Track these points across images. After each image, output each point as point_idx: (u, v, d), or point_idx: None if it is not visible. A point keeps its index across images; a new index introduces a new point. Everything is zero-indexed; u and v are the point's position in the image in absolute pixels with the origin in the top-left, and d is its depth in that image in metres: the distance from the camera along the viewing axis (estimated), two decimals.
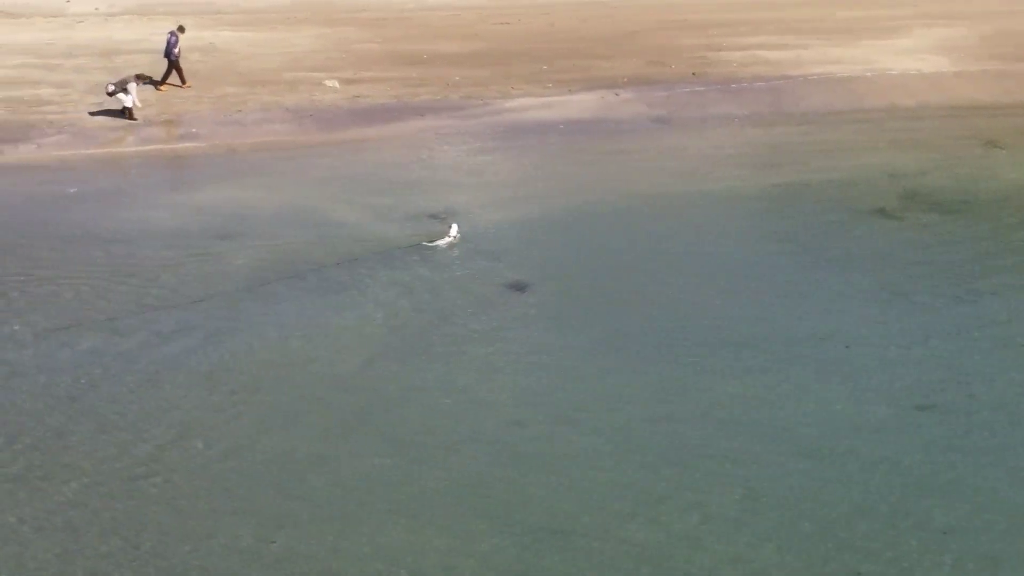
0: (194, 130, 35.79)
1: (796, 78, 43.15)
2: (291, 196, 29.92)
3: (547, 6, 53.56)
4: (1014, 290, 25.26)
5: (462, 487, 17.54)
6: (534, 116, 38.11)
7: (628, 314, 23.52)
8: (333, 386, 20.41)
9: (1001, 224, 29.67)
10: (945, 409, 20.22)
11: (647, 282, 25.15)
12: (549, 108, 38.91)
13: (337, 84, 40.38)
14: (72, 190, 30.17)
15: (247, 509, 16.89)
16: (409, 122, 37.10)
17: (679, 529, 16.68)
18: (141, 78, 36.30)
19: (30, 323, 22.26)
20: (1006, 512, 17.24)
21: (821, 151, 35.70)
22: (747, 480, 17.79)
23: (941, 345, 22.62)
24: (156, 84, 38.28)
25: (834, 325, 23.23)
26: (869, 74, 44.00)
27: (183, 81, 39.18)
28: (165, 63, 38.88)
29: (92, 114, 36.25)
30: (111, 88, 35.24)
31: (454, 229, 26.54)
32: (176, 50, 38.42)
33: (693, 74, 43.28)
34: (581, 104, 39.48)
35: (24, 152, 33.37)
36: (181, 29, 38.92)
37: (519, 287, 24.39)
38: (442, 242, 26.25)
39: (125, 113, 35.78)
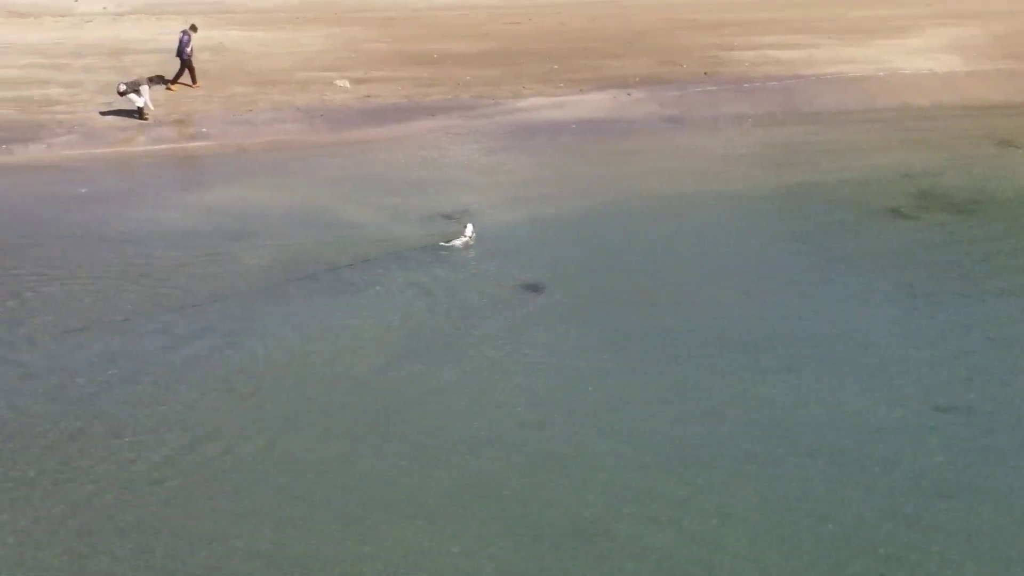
0: (204, 130, 35.67)
1: (808, 78, 43.01)
2: (303, 196, 29.75)
3: (557, 5, 53.50)
4: None
5: (480, 489, 17.35)
6: (546, 116, 37.98)
7: (644, 315, 23.33)
8: (351, 388, 20.21)
9: (1017, 223, 29.47)
10: (965, 410, 19.96)
11: (662, 283, 24.96)
12: (561, 108, 38.77)
13: (348, 84, 40.26)
14: (83, 190, 30.02)
15: (263, 512, 16.69)
16: (420, 122, 36.98)
17: (698, 532, 16.47)
18: (154, 80, 36.17)
19: (43, 324, 22.09)
20: None
21: (834, 151, 35.53)
22: (767, 482, 17.60)
23: (960, 345, 22.42)
24: (168, 83, 38.14)
25: (852, 326, 23.01)
26: (882, 74, 43.86)
27: (194, 81, 39.09)
28: (175, 62, 38.78)
29: (102, 114, 36.16)
30: (123, 88, 35.12)
31: (469, 229, 26.35)
32: (188, 49, 38.33)
33: (705, 74, 43.15)
34: (593, 104, 39.34)
35: (34, 152, 33.26)
36: (193, 28, 38.82)
37: (535, 288, 24.17)
38: (458, 242, 26.06)
39: (137, 113, 35.65)
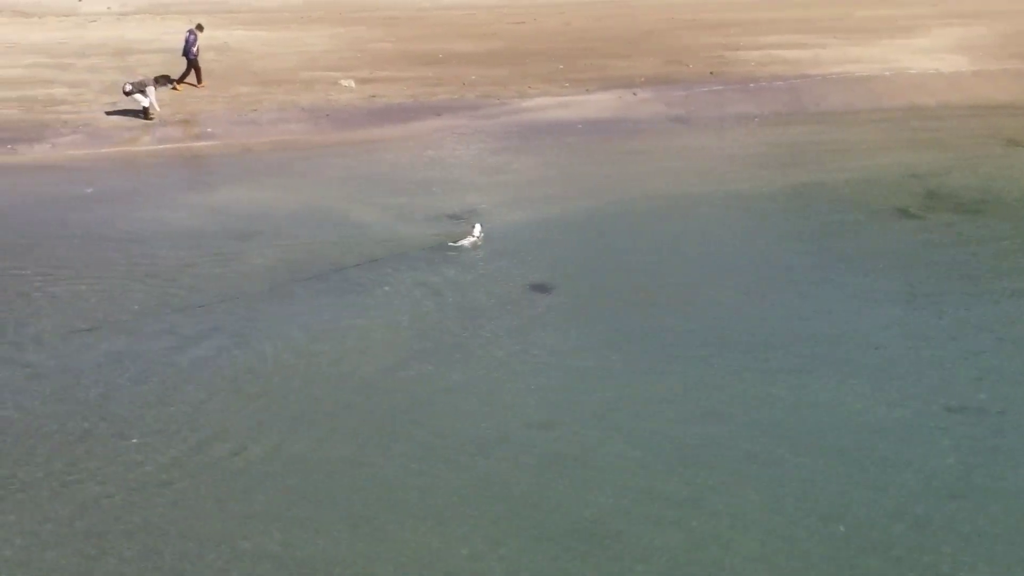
0: (209, 130, 35.62)
1: (815, 77, 42.93)
2: (309, 196, 29.66)
3: (562, 5, 53.50)
4: None
5: (489, 490, 17.23)
6: (552, 116, 37.91)
7: (653, 315, 23.21)
8: (359, 388, 20.07)
9: None
10: (976, 411, 19.83)
11: (670, 283, 24.84)
12: (567, 108, 38.70)
13: (353, 84, 40.21)
14: (88, 190, 29.94)
15: (271, 513, 16.59)
16: (426, 122, 36.91)
17: (709, 533, 16.35)
18: (160, 81, 36.10)
19: (50, 324, 21.99)
20: None
21: (841, 150, 35.44)
22: (777, 483, 17.46)
23: (969, 345, 22.28)
24: (174, 83, 38.09)
25: (860, 326, 22.88)
26: (888, 73, 43.78)
27: (199, 80, 39.07)
28: (179, 62, 38.73)
29: (108, 113, 36.11)
30: (128, 88, 35.07)
31: (477, 229, 26.24)
32: (195, 49, 38.29)
33: (711, 73, 43.08)
34: (599, 104, 39.26)
35: (39, 152, 33.20)
36: (200, 27, 38.79)
37: (543, 288, 24.07)
38: (466, 242, 25.94)
39: (142, 113, 35.59)
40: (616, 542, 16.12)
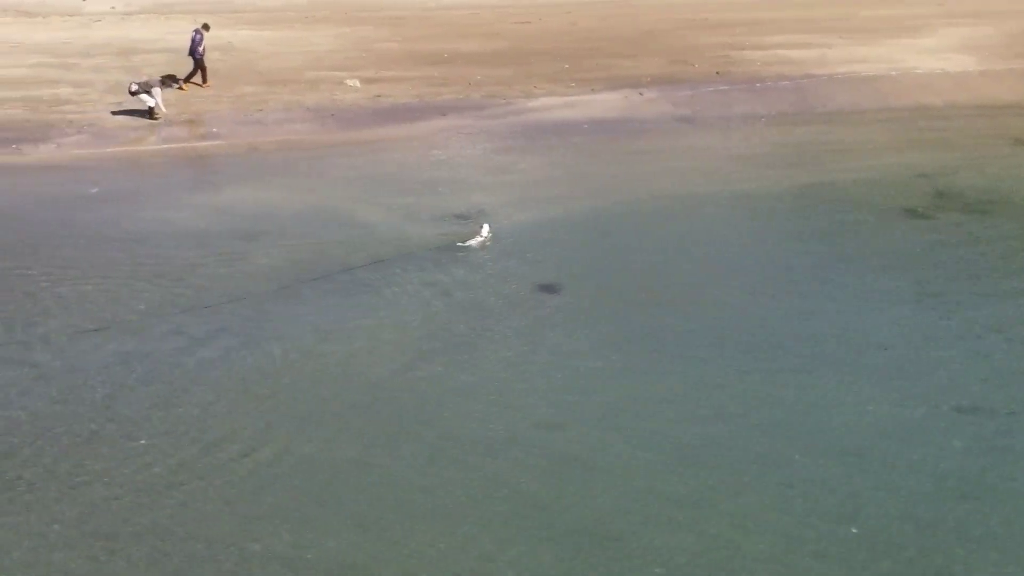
0: (215, 129, 35.53)
1: (821, 77, 42.82)
2: (316, 196, 29.59)
3: (567, 5, 53.42)
4: None
5: (499, 491, 17.16)
6: (558, 115, 37.81)
7: (661, 316, 23.13)
8: (368, 389, 20.00)
9: None
10: (985, 411, 19.75)
11: (678, 283, 24.79)
12: (573, 107, 38.61)
13: (358, 83, 40.12)
14: (94, 190, 29.87)
15: (280, 514, 16.52)
16: (432, 121, 36.81)
17: (719, 535, 16.28)
18: (166, 82, 36.04)
19: (56, 325, 21.92)
20: None
21: (848, 150, 35.38)
22: (788, 485, 17.40)
23: (978, 346, 22.22)
24: (180, 83, 38.05)
25: (870, 326, 22.79)
26: (894, 73, 43.67)
27: (204, 80, 39.00)
28: (184, 61, 38.67)
29: (113, 113, 36.03)
30: (134, 88, 35.01)
31: (485, 229, 26.17)
32: (201, 48, 38.24)
33: (717, 73, 42.97)
34: (605, 103, 39.16)
35: (45, 152, 33.13)
36: (206, 27, 38.72)
37: (551, 288, 24.00)
38: (474, 242, 25.87)
39: (148, 113, 35.53)
40: (625, 543, 16.07)
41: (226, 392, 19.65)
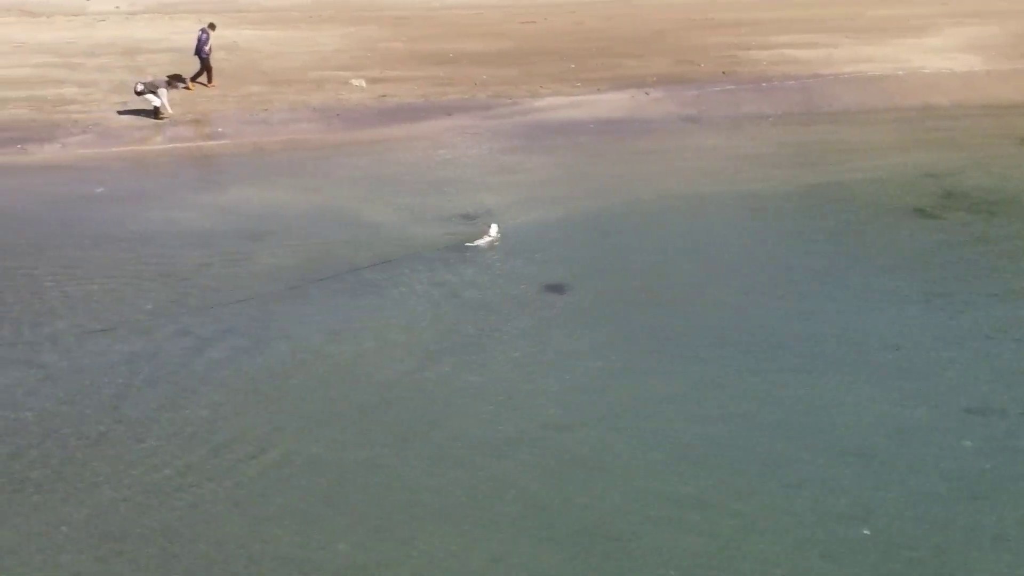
0: (220, 129, 35.49)
1: (827, 77, 42.75)
2: (323, 196, 29.52)
3: (572, 5, 53.36)
4: None
5: (508, 493, 17.04)
6: (564, 115, 37.74)
7: (670, 316, 23.03)
8: (377, 391, 19.89)
9: None
10: (996, 411, 19.64)
11: (686, 283, 24.68)
12: (579, 107, 38.53)
13: (364, 83, 40.07)
14: (99, 190, 29.79)
15: (288, 516, 16.42)
16: (438, 121, 36.75)
17: (727, 535, 16.17)
18: (172, 83, 35.96)
19: (63, 325, 21.83)
20: None
21: (856, 150, 35.28)
22: (797, 485, 17.28)
23: (988, 346, 22.09)
24: (186, 83, 38.01)
25: (880, 326, 22.68)
26: (901, 73, 43.60)
27: (210, 80, 38.97)
28: (189, 61, 38.62)
29: (119, 113, 35.97)
30: (140, 87, 34.96)
31: (494, 229, 26.09)
32: (207, 48, 38.17)
33: (723, 73, 42.91)
34: (611, 103, 39.08)
35: (50, 152, 33.09)
36: (212, 26, 38.68)
37: (558, 289, 23.90)
38: (482, 241, 25.79)
39: (153, 113, 35.46)
40: (634, 544, 15.95)
41: (234, 393, 19.55)
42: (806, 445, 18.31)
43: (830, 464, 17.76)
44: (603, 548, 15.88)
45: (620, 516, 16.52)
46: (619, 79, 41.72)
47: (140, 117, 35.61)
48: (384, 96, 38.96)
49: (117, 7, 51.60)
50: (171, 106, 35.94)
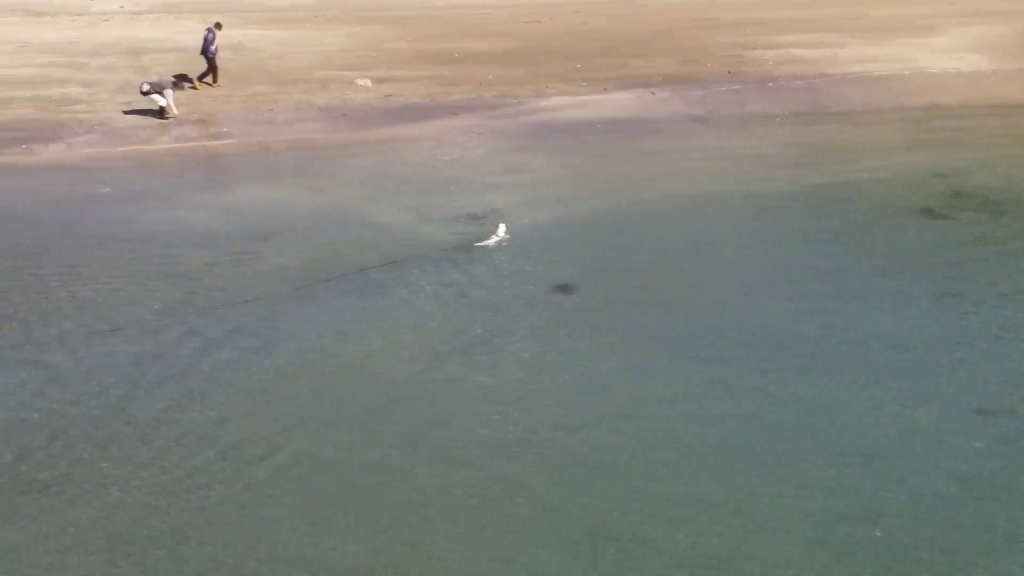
0: (226, 129, 35.42)
1: (834, 76, 42.63)
2: (329, 196, 29.44)
3: (578, 4, 53.26)
4: None
5: (516, 493, 16.98)
6: (570, 115, 37.65)
7: (678, 316, 22.96)
8: (386, 391, 19.83)
9: None
10: (1005, 412, 19.55)
11: (694, 284, 24.60)
12: (585, 107, 38.43)
13: (369, 83, 39.98)
14: (105, 190, 29.71)
15: (296, 518, 16.36)
16: (444, 121, 36.66)
17: (736, 537, 16.11)
18: (178, 84, 35.89)
19: (70, 326, 21.76)
20: None
21: (863, 150, 35.19)
22: (806, 487, 17.21)
23: (999, 346, 22.00)
24: (193, 82, 37.99)
25: (891, 326, 22.59)
26: (907, 72, 43.47)
27: (215, 80, 38.88)
28: (194, 61, 38.56)
29: (124, 113, 35.90)
30: (146, 87, 34.89)
31: (502, 229, 26.00)
32: (213, 47, 38.10)
33: (729, 73, 42.80)
34: (617, 103, 38.98)
35: (55, 151, 33.00)
36: (218, 26, 38.63)
37: (567, 289, 23.83)
38: (491, 241, 25.72)
39: (158, 112, 35.39)
40: (645, 546, 15.89)
41: (242, 394, 19.49)
42: (814, 446, 18.25)
43: (840, 465, 17.70)
44: (613, 549, 15.82)
45: (630, 517, 16.46)
46: (625, 79, 41.62)
47: (145, 117, 35.54)
48: (390, 96, 38.88)
49: (121, 7, 51.54)
50: (177, 106, 35.85)
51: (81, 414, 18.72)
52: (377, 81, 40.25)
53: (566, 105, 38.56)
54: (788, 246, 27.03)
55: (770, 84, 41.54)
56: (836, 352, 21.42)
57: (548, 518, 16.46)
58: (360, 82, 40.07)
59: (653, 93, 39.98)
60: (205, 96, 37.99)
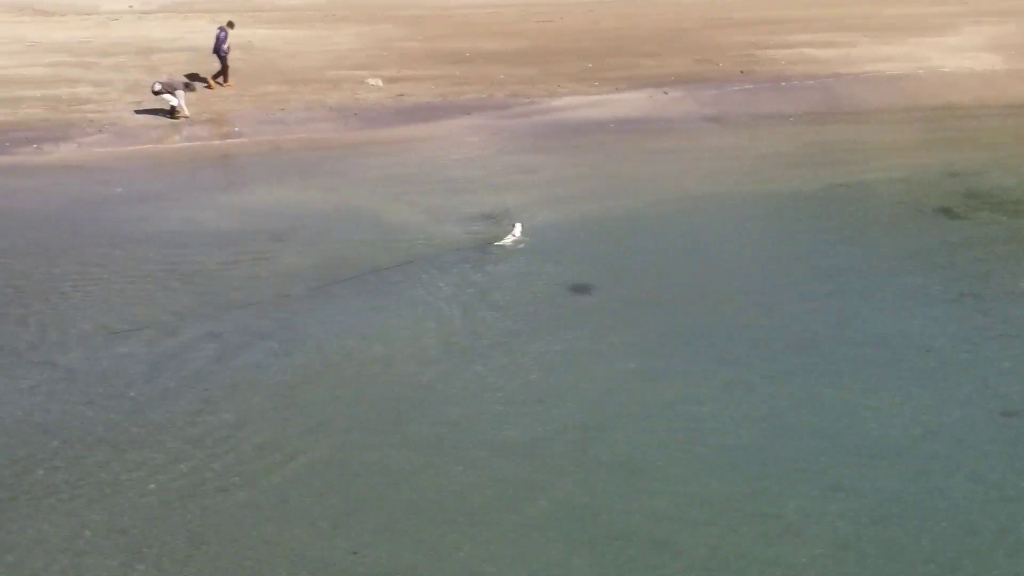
0: (237, 128, 35.34)
1: (847, 76, 42.45)
2: (343, 195, 29.41)
3: (589, 3, 53.01)
4: None
5: (537, 495, 16.92)
6: (583, 115, 37.52)
7: (695, 317, 22.96)
8: (407, 392, 19.84)
9: None
10: None
11: (711, 284, 24.56)
12: (598, 107, 38.30)
13: (380, 82, 39.83)
14: (118, 190, 29.62)
15: (317, 520, 16.27)
16: (456, 120, 36.53)
17: (756, 539, 16.08)
18: (190, 86, 35.79)
19: (85, 327, 21.70)
20: None
21: (878, 150, 35.15)
22: (826, 488, 17.19)
23: (1020, 347, 21.92)
24: (207, 82, 37.92)
25: (910, 328, 22.49)
26: (921, 72, 43.28)
27: (226, 79, 38.72)
28: (205, 60, 38.46)
29: (136, 112, 35.82)
30: (158, 87, 34.79)
31: (518, 228, 25.96)
32: (225, 46, 37.98)
33: (741, 72, 42.62)
34: (630, 102, 38.84)
35: (66, 151, 32.92)
36: (231, 25, 38.50)
37: (583, 289, 23.76)
38: (507, 240, 25.65)
39: (169, 112, 35.29)
40: (668, 548, 15.87)
41: (258, 394, 19.47)
42: (835, 447, 18.24)
43: (862, 465, 17.68)
44: (635, 551, 15.76)
45: (652, 519, 16.44)
46: (637, 78, 41.46)
47: (156, 116, 35.45)
48: (401, 95, 38.75)
49: (130, 6, 51.28)
50: (188, 106, 35.73)
51: (96, 416, 18.68)
52: (388, 80, 40.11)
53: (579, 105, 38.43)
54: (804, 246, 26.98)
55: (783, 84, 41.38)
56: (856, 353, 21.38)
57: (569, 520, 16.41)
58: (371, 81, 39.92)
59: (666, 93, 39.83)
60: (216, 96, 37.87)
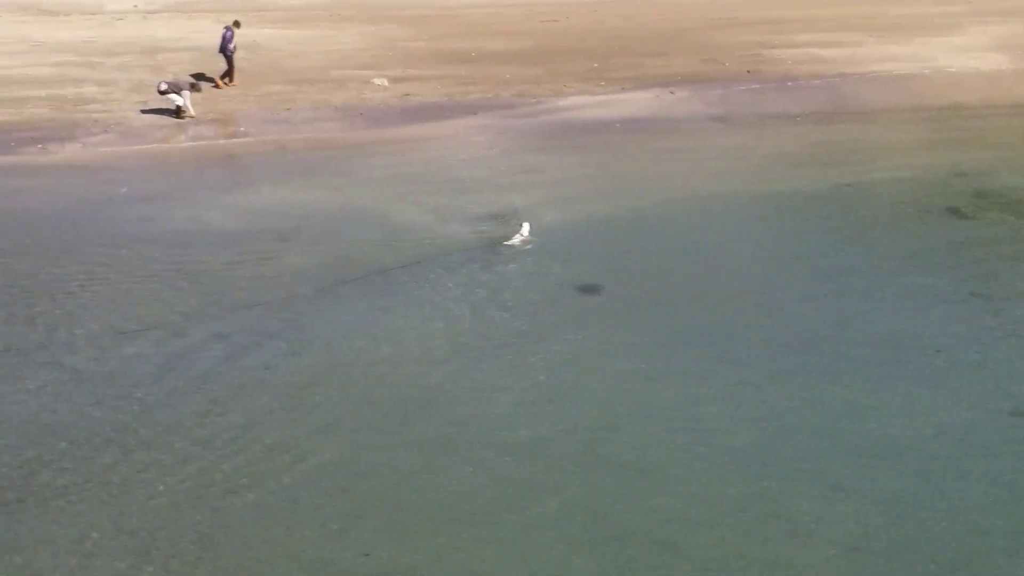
0: (243, 128, 35.28)
1: (853, 76, 42.36)
2: (349, 195, 29.37)
3: (594, 3, 52.88)
4: None
5: (545, 495, 16.95)
6: (589, 114, 37.45)
7: (704, 317, 22.96)
8: (415, 392, 19.82)
9: None
10: None
11: (719, 284, 24.55)
12: (604, 106, 38.22)
13: (386, 82, 39.76)
14: (123, 190, 29.57)
15: (324, 521, 16.26)
16: (462, 120, 36.46)
17: (765, 540, 16.10)
18: (196, 86, 35.75)
19: (91, 327, 21.66)
20: None
21: (885, 149, 35.12)
22: (832, 489, 17.20)
23: None
24: (215, 81, 37.87)
25: (918, 327, 22.49)
26: (927, 72, 43.18)
27: (231, 79, 38.66)
28: (210, 60, 38.40)
29: (141, 112, 35.76)
30: (164, 87, 34.73)
31: (526, 228, 25.91)
32: (232, 46, 37.91)
33: (748, 72, 42.53)
34: (636, 102, 38.75)
35: (71, 151, 32.85)
36: (237, 24, 38.43)
37: (591, 289, 23.74)
38: (515, 240, 25.64)
39: (175, 112, 35.24)
40: (676, 549, 15.91)
41: (265, 395, 19.46)
42: (844, 448, 18.27)
43: (870, 466, 17.71)
44: (644, 552, 15.78)
45: (662, 520, 16.46)
46: (643, 78, 41.38)
47: (162, 116, 35.40)
48: (407, 95, 38.69)
49: (135, 6, 51.21)
50: (193, 106, 35.68)
51: (103, 416, 18.66)
52: (394, 80, 40.04)
53: (585, 104, 38.36)
54: (812, 247, 26.96)
55: (789, 83, 41.30)
56: (864, 353, 21.38)
57: (579, 521, 16.42)
58: (377, 81, 39.86)
59: (672, 92, 39.75)
60: (221, 95, 37.82)
